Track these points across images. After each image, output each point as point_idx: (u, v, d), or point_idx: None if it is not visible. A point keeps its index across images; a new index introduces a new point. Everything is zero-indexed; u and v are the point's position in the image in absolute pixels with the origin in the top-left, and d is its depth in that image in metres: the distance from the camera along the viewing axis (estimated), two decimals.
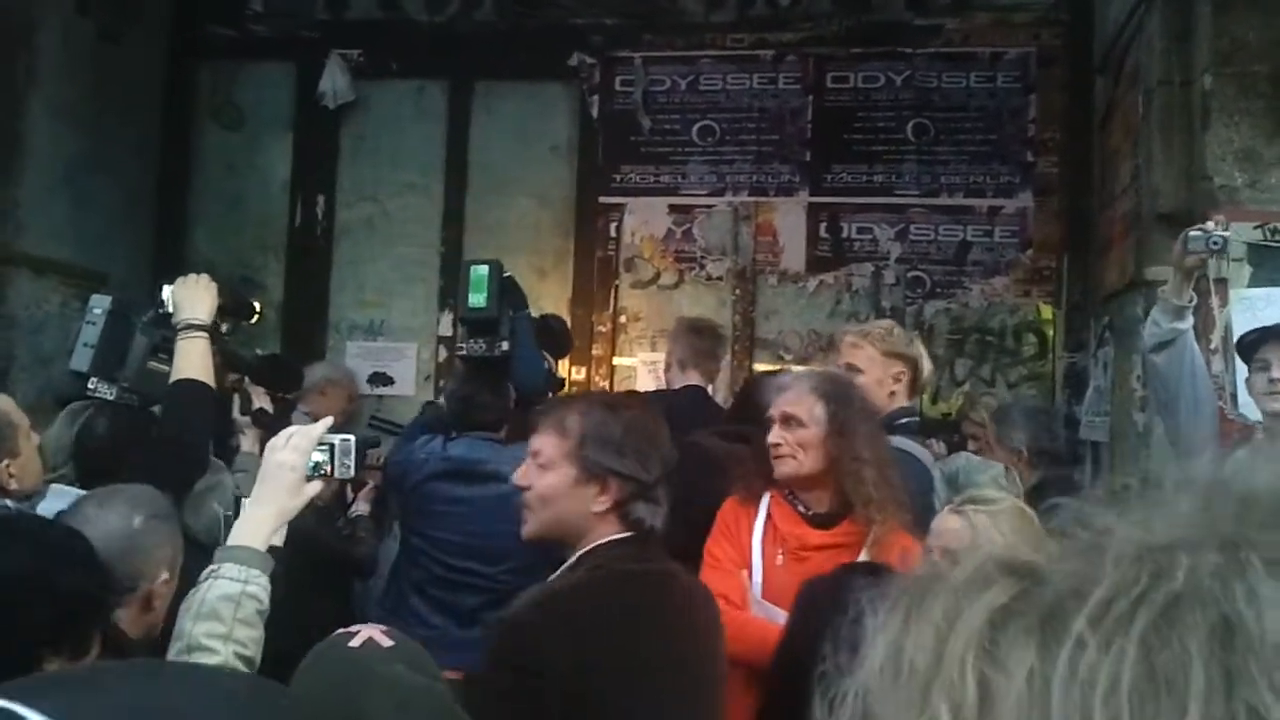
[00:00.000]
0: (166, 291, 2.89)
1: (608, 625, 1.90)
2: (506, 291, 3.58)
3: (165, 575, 2.07)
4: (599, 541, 1.98)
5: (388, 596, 3.78)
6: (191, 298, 2.84)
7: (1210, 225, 3.03)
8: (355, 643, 1.44)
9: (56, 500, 2.68)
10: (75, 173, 5.29)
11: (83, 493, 2.67)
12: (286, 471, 1.87)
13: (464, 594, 3.54)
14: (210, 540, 2.04)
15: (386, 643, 1.45)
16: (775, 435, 2.62)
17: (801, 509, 2.64)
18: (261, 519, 1.83)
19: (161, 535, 2.08)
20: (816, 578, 2.16)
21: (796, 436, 2.60)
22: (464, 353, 3.65)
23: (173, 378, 2.75)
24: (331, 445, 1.96)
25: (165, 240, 5.95)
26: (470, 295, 3.56)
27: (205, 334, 2.79)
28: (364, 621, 3.92)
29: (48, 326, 5.09)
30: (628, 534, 1.99)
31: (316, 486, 1.92)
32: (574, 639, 1.83)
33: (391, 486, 3.87)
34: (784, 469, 2.62)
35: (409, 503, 3.69)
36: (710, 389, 4.26)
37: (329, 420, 2.03)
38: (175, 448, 2.56)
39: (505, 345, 3.53)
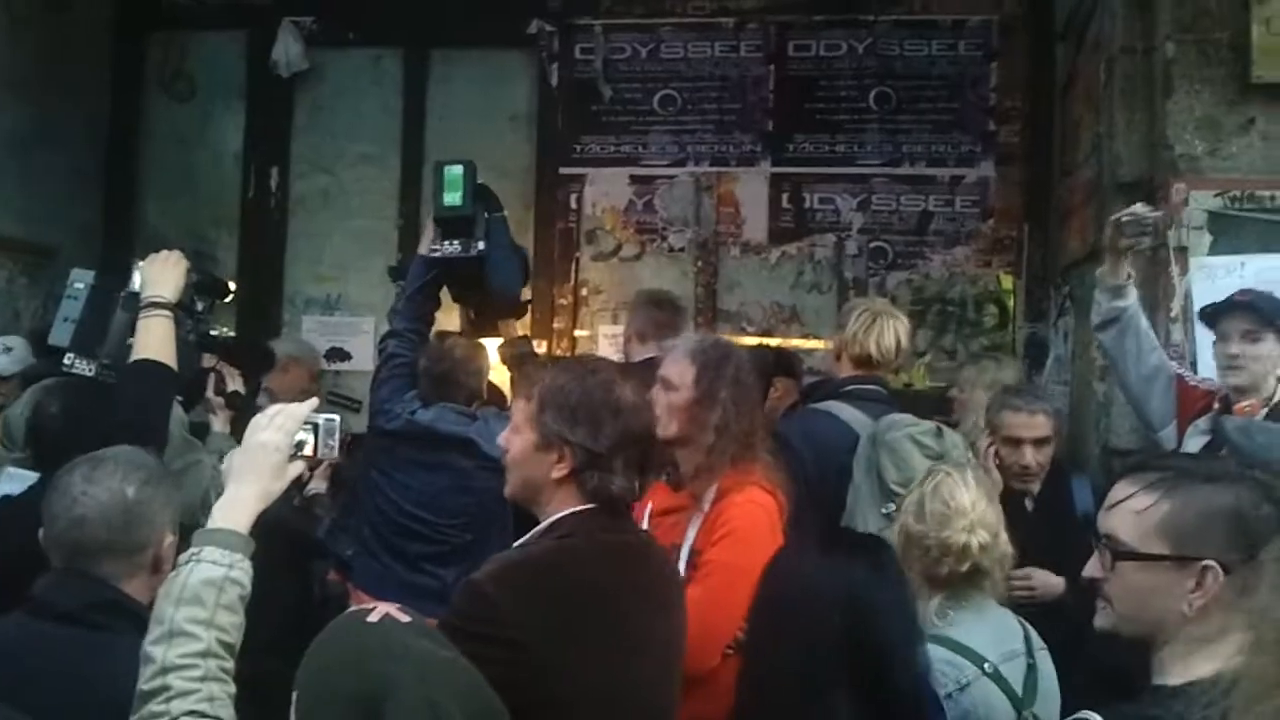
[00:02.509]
0: (138, 268, 2.81)
1: (574, 596, 1.86)
2: (481, 192, 3.46)
3: (170, 537, 2.01)
4: (567, 511, 1.94)
5: (346, 514, 3.77)
6: (158, 275, 2.76)
7: (1139, 208, 3.06)
8: (373, 618, 1.41)
9: (9, 484, 2.59)
10: (20, 145, 5.14)
11: (35, 475, 2.58)
12: (271, 452, 1.79)
13: (410, 540, 3.53)
14: (190, 521, 1.95)
15: (404, 619, 1.42)
16: (654, 397, 2.59)
17: (668, 473, 2.66)
18: (243, 500, 1.75)
19: (159, 498, 2.00)
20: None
21: (668, 399, 2.60)
22: (438, 254, 3.47)
23: (133, 356, 2.67)
24: (316, 425, 1.90)
25: (115, 214, 5.82)
26: (445, 194, 3.41)
27: (168, 313, 2.71)
28: (322, 602, 3.91)
29: None
30: (593, 505, 1.95)
31: (299, 467, 1.85)
32: (539, 609, 1.79)
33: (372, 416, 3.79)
34: (659, 433, 2.59)
35: (378, 440, 3.67)
36: None
37: (314, 401, 1.96)
38: (133, 430, 2.43)
39: (481, 245, 3.41)
